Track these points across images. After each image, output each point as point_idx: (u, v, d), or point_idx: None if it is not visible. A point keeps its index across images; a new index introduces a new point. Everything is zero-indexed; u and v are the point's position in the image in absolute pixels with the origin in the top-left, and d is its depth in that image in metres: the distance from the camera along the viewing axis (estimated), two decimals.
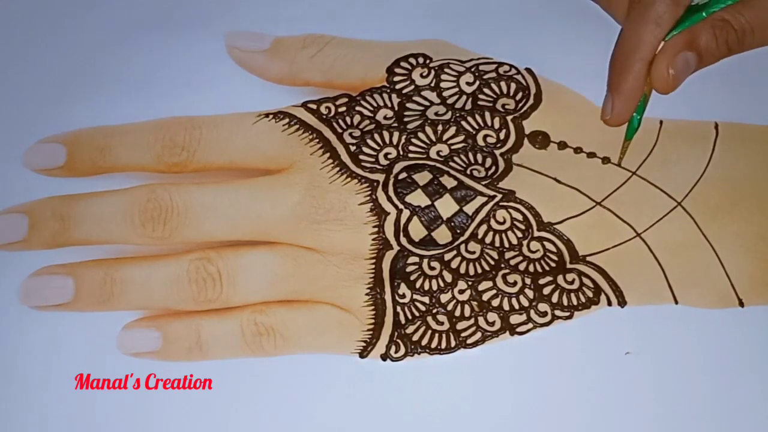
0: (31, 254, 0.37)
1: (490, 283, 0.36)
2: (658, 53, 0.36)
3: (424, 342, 0.35)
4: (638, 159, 0.38)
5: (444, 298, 0.36)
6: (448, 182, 0.37)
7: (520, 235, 0.36)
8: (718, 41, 0.36)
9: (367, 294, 0.36)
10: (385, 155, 0.38)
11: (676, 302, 0.36)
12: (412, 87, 0.39)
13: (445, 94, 0.39)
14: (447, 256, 0.36)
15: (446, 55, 0.40)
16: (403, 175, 0.37)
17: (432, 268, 0.36)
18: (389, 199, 0.37)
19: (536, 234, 0.37)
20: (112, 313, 0.36)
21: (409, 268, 0.36)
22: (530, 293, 0.36)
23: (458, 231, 0.36)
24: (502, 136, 0.38)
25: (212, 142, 0.38)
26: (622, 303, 0.36)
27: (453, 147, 0.38)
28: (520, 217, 0.37)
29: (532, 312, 0.36)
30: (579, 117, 0.39)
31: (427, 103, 0.39)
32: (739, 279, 0.36)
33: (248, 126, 0.39)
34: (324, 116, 0.39)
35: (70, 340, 0.35)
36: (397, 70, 0.40)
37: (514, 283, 0.36)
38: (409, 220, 0.36)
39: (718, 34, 0.36)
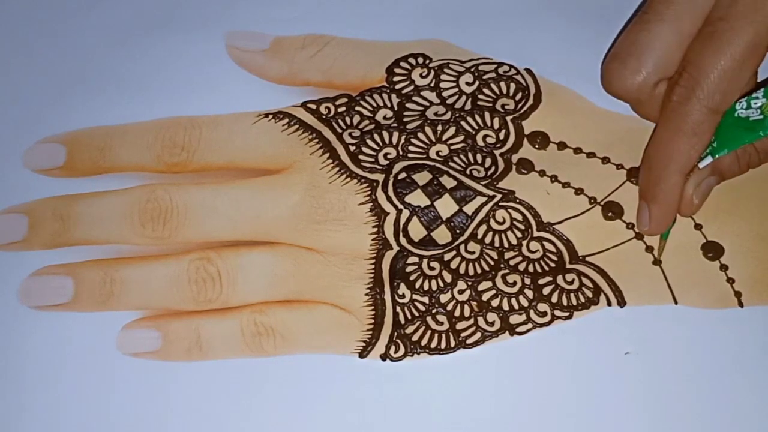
0: (31, 254, 0.37)
1: (489, 284, 0.36)
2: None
3: (424, 342, 0.35)
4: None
5: (443, 298, 0.36)
6: (448, 182, 0.37)
7: (519, 235, 0.36)
8: (740, 165, 0.35)
9: (366, 294, 0.36)
10: (385, 155, 0.38)
11: (676, 302, 0.36)
12: (412, 87, 0.39)
13: (445, 94, 0.39)
14: (447, 256, 0.36)
15: (446, 55, 0.40)
16: (403, 175, 0.37)
17: (432, 269, 0.36)
18: (389, 199, 0.37)
19: (536, 234, 0.37)
20: (112, 313, 0.36)
21: (409, 268, 0.36)
22: (530, 293, 0.36)
23: (458, 231, 0.36)
24: (501, 136, 0.38)
25: (212, 142, 0.38)
26: (622, 303, 0.36)
27: (453, 147, 0.38)
28: (519, 217, 0.37)
29: (531, 312, 0.35)
30: (579, 117, 0.39)
31: (427, 104, 0.39)
32: (739, 279, 0.36)
33: (248, 126, 0.39)
34: (324, 116, 0.39)
35: (70, 340, 0.35)
36: (397, 70, 0.40)
37: (514, 284, 0.36)
38: (408, 220, 0.36)
39: (740, 158, 0.35)
